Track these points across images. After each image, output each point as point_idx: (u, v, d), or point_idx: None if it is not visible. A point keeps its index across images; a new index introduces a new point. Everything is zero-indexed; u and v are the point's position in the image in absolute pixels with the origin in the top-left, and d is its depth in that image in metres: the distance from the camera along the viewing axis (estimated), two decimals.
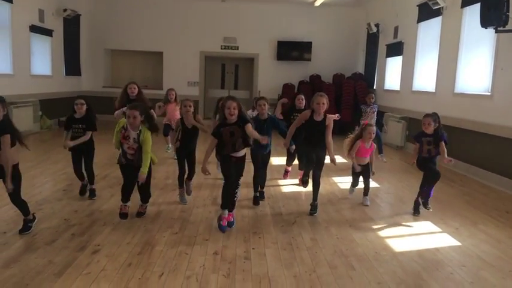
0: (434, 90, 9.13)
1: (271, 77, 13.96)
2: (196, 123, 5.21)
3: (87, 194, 5.40)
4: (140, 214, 4.76)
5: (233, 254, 3.85)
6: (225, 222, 4.41)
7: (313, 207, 5.09)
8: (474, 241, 4.43)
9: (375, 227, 4.77)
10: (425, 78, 9.78)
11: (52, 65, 11.86)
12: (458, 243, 4.36)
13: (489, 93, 7.31)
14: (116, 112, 6.49)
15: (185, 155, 5.30)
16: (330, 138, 4.87)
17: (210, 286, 3.26)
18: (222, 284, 3.30)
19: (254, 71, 14.29)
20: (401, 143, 10.23)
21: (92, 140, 5.29)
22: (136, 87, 6.73)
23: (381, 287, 3.35)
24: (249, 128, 4.27)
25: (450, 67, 8.46)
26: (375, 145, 5.73)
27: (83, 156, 5.29)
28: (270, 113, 5.45)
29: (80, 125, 5.15)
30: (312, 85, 13.47)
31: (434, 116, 5.06)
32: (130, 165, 4.54)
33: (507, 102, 6.79)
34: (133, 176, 4.53)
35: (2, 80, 9.45)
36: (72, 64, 13.00)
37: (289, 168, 6.79)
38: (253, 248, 4.00)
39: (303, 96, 6.40)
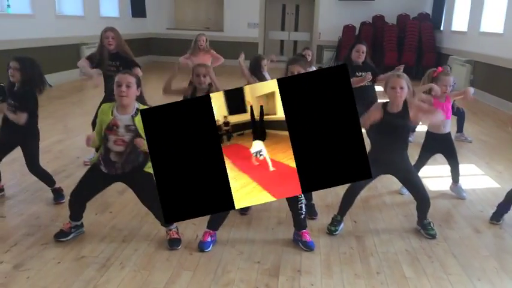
0: (502, 32, 8.60)
1: (332, 17, 13.60)
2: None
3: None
4: (175, 242, 3.02)
5: None
6: (309, 238, 3.15)
7: (429, 229, 3.33)
8: None
9: None
10: (493, 19, 9.20)
11: (119, 6, 12.39)
12: (498, 186, 4.40)
13: None
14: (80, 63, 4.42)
15: None
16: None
17: None
18: None
19: (315, 12, 14.02)
20: (465, 87, 9.83)
21: (33, 126, 3.50)
22: (114, 37, 4.20)
23: (406, 220, 3.57)
24: None
25: None
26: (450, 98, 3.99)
27: (22, 149, 3.55)
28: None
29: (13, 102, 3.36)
30: (374, 27, 13.04)
31: None
32: (108, 176, 2.95)
33: None
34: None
35: (74, 21, 10.13)
36: (137, 5, 13.48)
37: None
38: None
39: (364, 48, 4.40)
